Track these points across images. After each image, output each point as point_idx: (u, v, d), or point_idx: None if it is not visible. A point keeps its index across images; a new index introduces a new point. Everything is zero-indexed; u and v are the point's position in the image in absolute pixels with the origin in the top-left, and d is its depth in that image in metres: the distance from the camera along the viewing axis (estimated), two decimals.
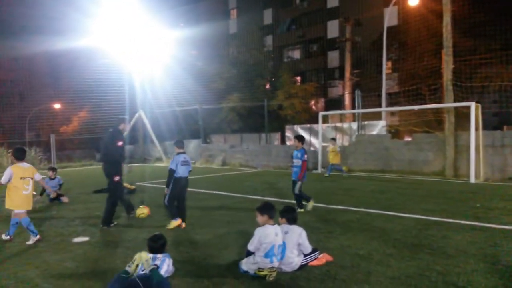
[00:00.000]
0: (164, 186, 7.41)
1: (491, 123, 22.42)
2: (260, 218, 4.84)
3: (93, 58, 27.75)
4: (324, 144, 18.42)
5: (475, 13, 20.61)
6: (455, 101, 14.92)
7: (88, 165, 23.56)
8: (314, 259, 4.98)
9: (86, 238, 6.46)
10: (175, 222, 7.13)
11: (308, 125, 23.44)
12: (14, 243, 6.22)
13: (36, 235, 6.31)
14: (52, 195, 10.06)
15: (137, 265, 4.36)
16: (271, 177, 15.80)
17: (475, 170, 13.63)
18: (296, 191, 8.46)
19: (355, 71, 29.99)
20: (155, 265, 4.37)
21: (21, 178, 6.32)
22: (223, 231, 6.80)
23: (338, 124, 21.44)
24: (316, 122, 19.60)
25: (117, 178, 7.50)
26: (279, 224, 5.04)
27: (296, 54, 46.11)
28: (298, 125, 24.46)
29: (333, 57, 41.33)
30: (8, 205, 6.29)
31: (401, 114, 24.28)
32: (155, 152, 25.58)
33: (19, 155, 6.58)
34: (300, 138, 8.73)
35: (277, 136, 27.90)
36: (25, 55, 31.67)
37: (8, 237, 6.38)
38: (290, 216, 5.16)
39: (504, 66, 20.06)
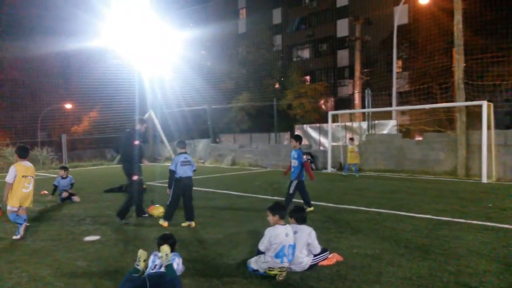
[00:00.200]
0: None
1: (503, 122, 22.10)
2: (271, 218, 4.84)
3: (103, 58, 28.03)
4: (334, 143, 18.34)
5: (486, 11, 20.40)
6: (466, 100, 14.74)
7: (98, 164, 23.75)
8: (324, 259, 4.95)
9: (97, 237, 6.50)
10: (164, 223, 7.22)
11: (318, 125, 23.36)
12: (27, 241, 6.29)
13: (21, 225, 6.42)
14: (64, 195, 10.16)
15: (144, 261, 4.39)
16: (281, 177, 15.74)
17: (487, 170, 13.46)
18: (291, 191, 8.34)
19: (365, 70, 29.85)
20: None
21: (23, 176, 6.44)
22: (232, 231, 6.80)
23: (348, 124, 21.33)
24: (326, 121, 19.52)
25: (135, 177, 7.75)
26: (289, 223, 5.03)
27: (306, 53, 45.96)
28: (308, 125, 24.40)
29: (342, 56, 41.16)
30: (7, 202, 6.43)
31: (412, 113, 24.14)
32: (165, 151, 25.69)
33: (22, 153, 6.68)
34: (297, 138, 8.63)
35: (286, 135, 27.82)
36: (37, 56, 32.00)
37: (18, 236, 6.43)
38: (299, 216, 5.14)
39: None
